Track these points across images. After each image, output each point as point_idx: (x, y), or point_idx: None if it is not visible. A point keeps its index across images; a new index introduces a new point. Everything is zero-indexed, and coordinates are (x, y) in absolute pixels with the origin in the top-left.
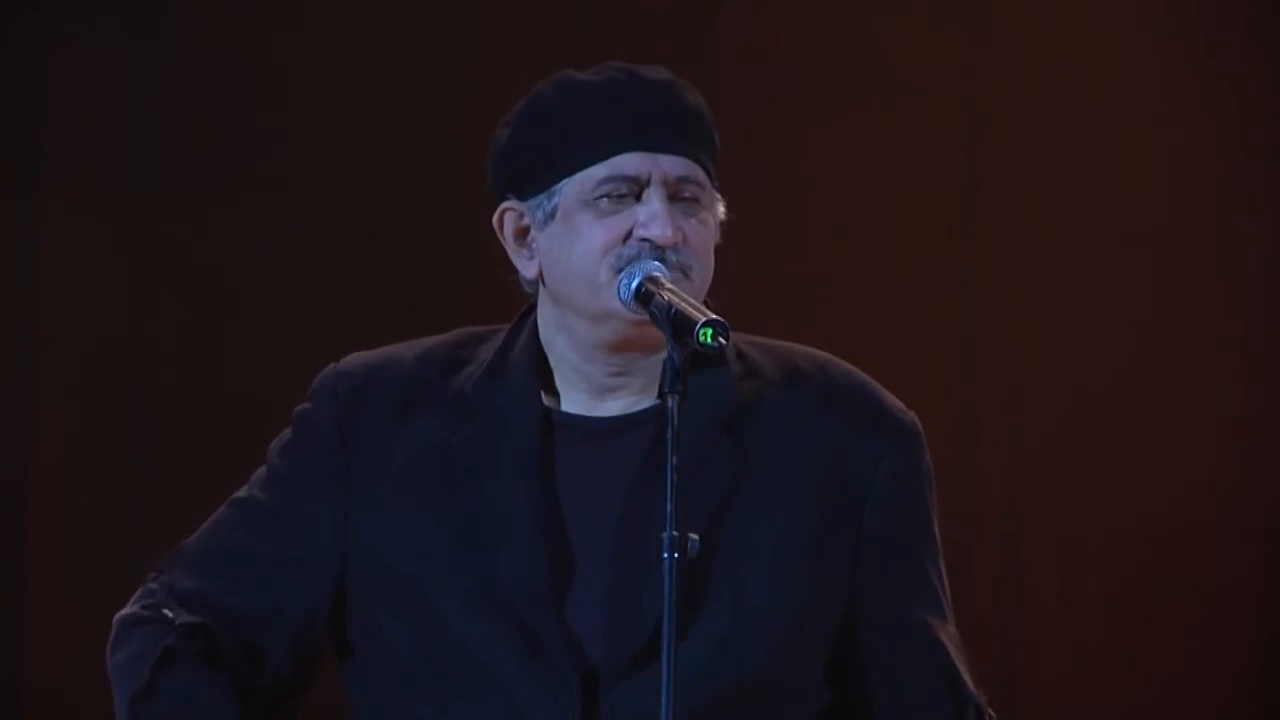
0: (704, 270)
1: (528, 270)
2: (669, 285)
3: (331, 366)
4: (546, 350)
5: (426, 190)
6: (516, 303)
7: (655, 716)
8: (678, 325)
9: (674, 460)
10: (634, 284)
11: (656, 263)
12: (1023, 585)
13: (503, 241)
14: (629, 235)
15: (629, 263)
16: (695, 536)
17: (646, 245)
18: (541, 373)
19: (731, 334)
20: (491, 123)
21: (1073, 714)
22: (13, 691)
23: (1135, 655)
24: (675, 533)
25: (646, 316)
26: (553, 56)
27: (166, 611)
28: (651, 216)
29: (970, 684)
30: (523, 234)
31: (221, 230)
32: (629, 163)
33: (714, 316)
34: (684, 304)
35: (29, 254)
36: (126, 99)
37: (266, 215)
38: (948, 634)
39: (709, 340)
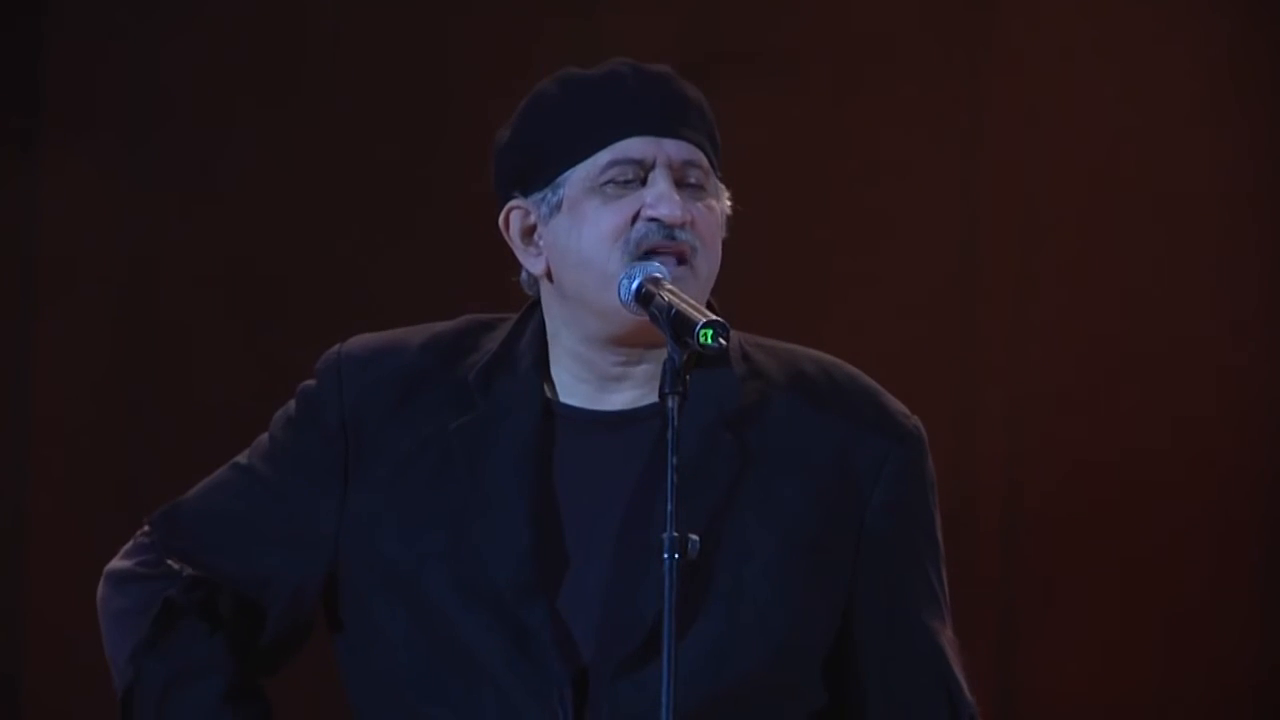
0: (712, 255)
1: (535, 267)
2: (669, 286)
3: (337, 347)
4: (551, 345)
5: (433, 177)
6: (521, 298)
7: (649, 715)
8: (678, 326)
9: (674, 461)
10: (634, 285)
11: (657, 264)
12: (1022, 574)
13: (509, 241)
14: (636, 217)
15: (638, 244)
16: (695, 537)
17: (655, 225)
18: (546, 365)
19: (737, 336)
20: (499, 117)
21: (1073, 711)
22: (13, 691)
23: (1135, 647)
24: (675, 533)
25: (648, 317)
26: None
27: (171, 563)
28: (659, 197)
29: (966, 692)
30: (529, 232)
31: (222, 226)
32: (633, 146)
33: (714, 317)
34: (684, 305)
35: (29, 252)
36: (127, 96)
37: (267, 208)
38: (947, 639)
39: (709, 341)
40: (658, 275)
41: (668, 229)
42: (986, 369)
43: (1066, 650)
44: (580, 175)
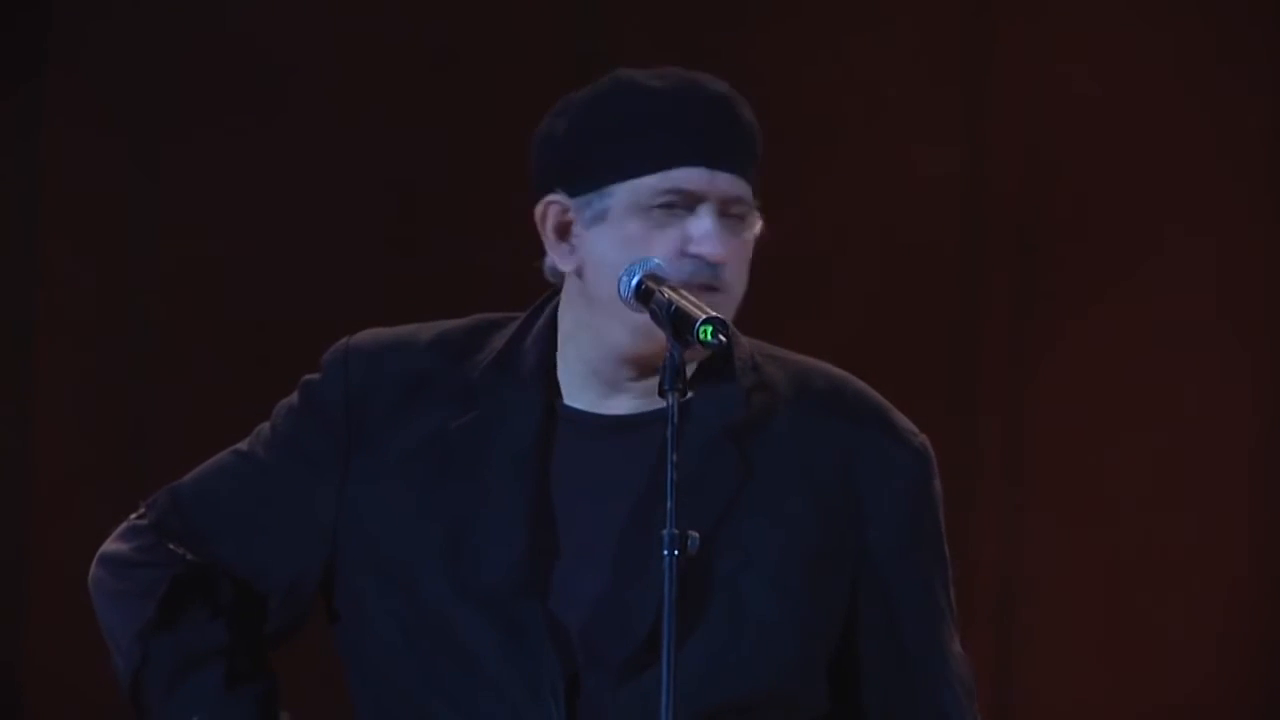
0: (741, 287)
1: (566, 264)
2: (669, 282)
3: (345, 341)
4: (562, 343)
5: (443, 175)
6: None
7: (644, 715)
8: (677, 322)
9: (674, 458)
10: (634, 281)
11: (656, 260)
12: (1022, 574)
13: (543, 234)
14: (681, 250)
15: (680, 278)
16: (695, 534)
17: (699, 261)
18: (552, 366)
19: (749, 345)
20: (495, 124)
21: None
22: (12, 686)
23: (1136, 649)
24: (675, 530)
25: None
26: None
27: (172, 546)
28: (705, 234)
29: (968, 710)
30: (565, 229)
31: (226, 226)
32: (688, 177)
33: (714, 314)
34: (684, 301)
35: (31, 251)
36: (128, 90)
37: (271, 207)
38: (953, 654)
39: (709, 338)
40: (657, 272)
41: (711, 266)
42: (989, 366)
43: (1066, 652)
44: (629, 193)
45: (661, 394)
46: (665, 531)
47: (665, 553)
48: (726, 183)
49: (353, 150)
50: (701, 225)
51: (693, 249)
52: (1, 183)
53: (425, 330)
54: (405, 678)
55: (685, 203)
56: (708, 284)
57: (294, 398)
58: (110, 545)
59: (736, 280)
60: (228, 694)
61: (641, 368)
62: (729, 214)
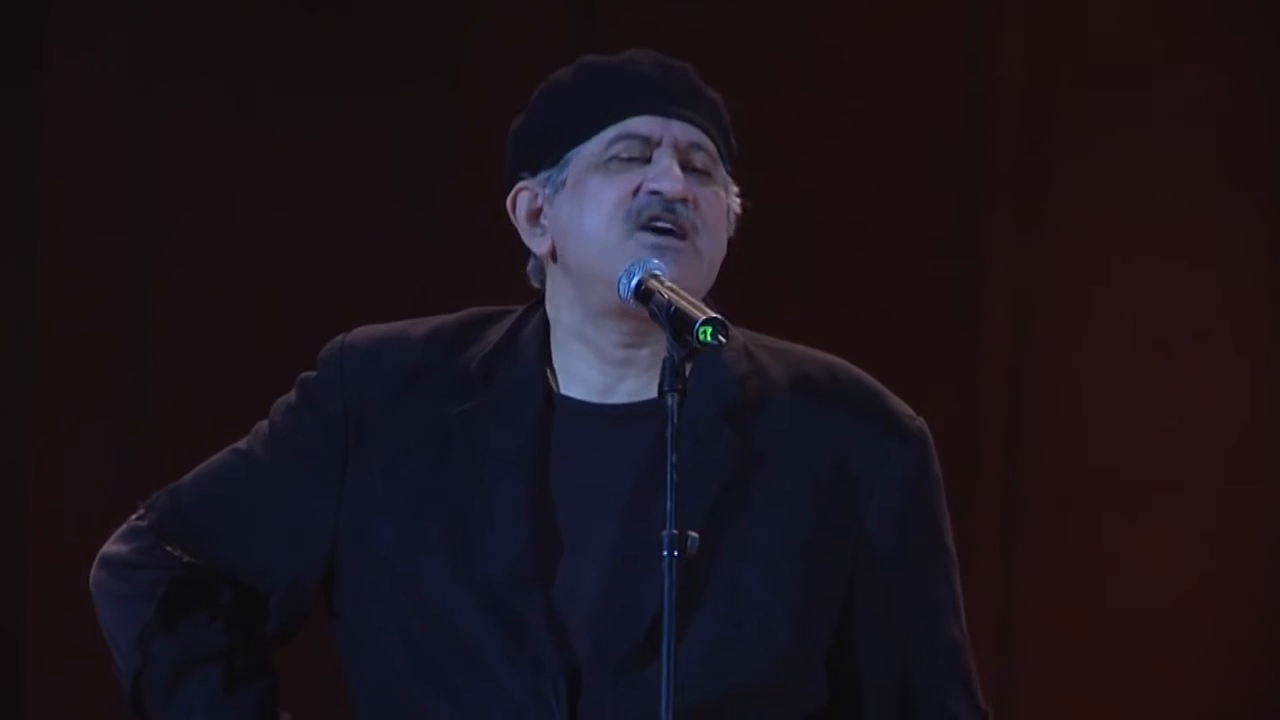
0: (715, 241)
1: (540, 247)
2: (669, 283)
3: (341, 338)
4: (556, 332)
5: (447, 176)
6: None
7: (649, 714)
8: (677, 323)
9: (673, 459)
10: (634, 282)
11: (657, 261)
12: (1022, 572)
13: (515, 223)
14: (638, 189)
15: (639, 215)
16: (695, 534)
17: (656, 198)
18: (550, 357)
19: (741, 334)
20: (492, 122)
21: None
22: (13, 687)
23: (1136, 648)
24: (675, 531)
25: (647, 312)
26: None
27: (170, 549)
28: (662, 171)
29: (969, 695)
30: (535, 214)
31: (227, 226)
32: (640, 124)
33: (714, 314)
34: (684, 301)
35: (31, 249)
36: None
37: (273, 208)
38: (953, 641)
39: (709, 338)
40: (658, 273)
41: (668, 203)
42: (989, 348)
43: (1065, 650)
44: (586, 153)
45: (661, 395)
46: (665, 532)
47: (665, 554)
48: (682, 130)
49: (354, 147)
50: (659, 165)
51: (651, 185)
52: (1, 182)
53: (419, 325)
54: (405, 674)
55: (643, 151)
56: (660, 219)
57: (291, 396)
58: (110, 547)
59: (705, 226)
60: (228, 695)
61: (632, 329)
62: (691, 165)
